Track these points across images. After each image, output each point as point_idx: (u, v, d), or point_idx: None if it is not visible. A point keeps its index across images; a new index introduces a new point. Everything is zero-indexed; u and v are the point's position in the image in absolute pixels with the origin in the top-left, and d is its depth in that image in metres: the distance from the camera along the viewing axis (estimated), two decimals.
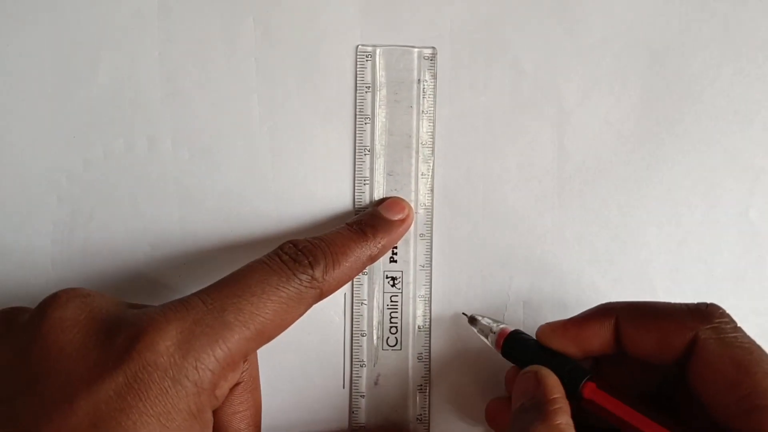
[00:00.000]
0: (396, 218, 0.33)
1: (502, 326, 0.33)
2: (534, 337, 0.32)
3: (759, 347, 0.27)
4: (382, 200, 0.34)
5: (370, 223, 0.32)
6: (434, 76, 0.35)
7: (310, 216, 0.35)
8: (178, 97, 0.34)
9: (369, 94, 0.35)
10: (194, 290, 0.34)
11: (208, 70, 0.34)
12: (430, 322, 0.35)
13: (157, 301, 0.28)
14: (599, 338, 0.30)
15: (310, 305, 0.29)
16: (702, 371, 0.27)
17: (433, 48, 0.35)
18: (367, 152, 0.35)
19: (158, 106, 0.34)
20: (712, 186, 0.36)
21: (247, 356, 0.28)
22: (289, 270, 0.28)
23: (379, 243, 0.31)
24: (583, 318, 0.31)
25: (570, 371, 0.30)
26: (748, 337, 0.28)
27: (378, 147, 0.35)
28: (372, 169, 0.35)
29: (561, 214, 0.36)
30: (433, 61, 0.35)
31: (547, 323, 0.32)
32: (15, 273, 0.33)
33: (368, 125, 0.35)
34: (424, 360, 0.36)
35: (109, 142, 0.34)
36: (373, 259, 0.31)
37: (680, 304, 0.29)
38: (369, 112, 0.35)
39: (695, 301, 0.29)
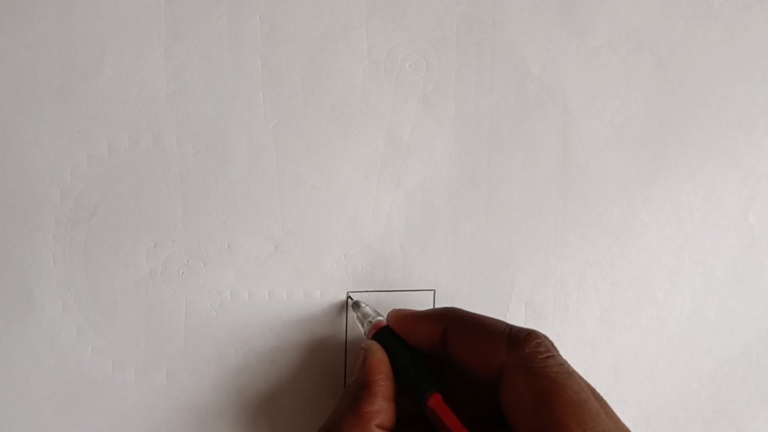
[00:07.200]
0: None
1: (378, 318, 0.33)
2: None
3: (568, 377, 0.27)
4: None
5: None
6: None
7: (314, 214, 0.35)
8: (184, 94, 0.33)
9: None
10: (195, 289, 0.34)
11: (214, 67, 0.34)
12: None
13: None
14: (428, 338, 0.30)
15: None
16: (508, 397, 0.27)
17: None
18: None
19: (163, 102, 0.33)
20: (713, 189, 0.37)
21: None
22: None
23: None
24: (420, 315, 0.31)
25: (425, 376, 0.30)
26: (560, 366, 0.27)
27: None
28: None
29: (564, 215, 0.36)
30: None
31: (396, 309, 0.33)
32: (16, 268, 0.33)
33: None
34: None
35: (113, 137, 0.33)
36: None
37: (502, 326, 0.29)
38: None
39: (525, 325, 0.29)
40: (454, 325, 0.30)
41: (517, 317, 0.36)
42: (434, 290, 0.36)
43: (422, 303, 0.36)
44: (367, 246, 0.35)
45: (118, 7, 0.33)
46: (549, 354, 0.28)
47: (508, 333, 0.28)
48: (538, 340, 0.28)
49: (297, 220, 0.35)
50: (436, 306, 0.36)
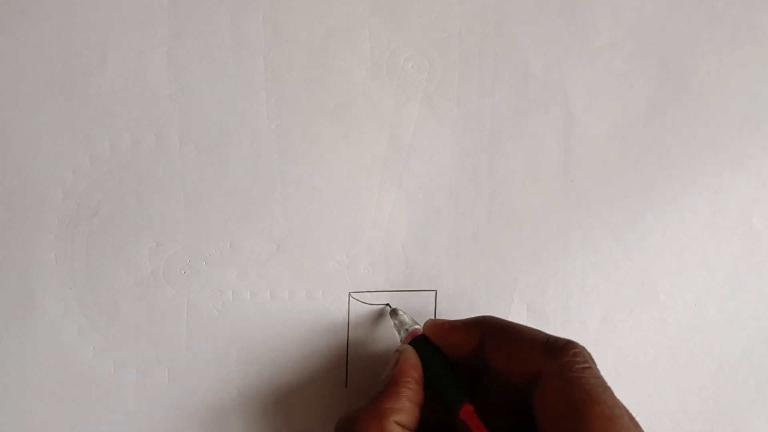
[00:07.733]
0: None
1: (415, 327, 0.33)
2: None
3: (603, 390, 0.27)
4: None
5: None
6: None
7: (316, 214, 0.35)
8: (186, 94, 0.33)
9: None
10: (197, 289, 0.34)
11: (217, 67, 0.34)
12: None
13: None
14: (464, 346, 0.31)
15: None
16: (541, 404, 0.27)
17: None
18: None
19: (166, 102, 0.33)
20: (717, 191, 0.36)
21: None
22: None
23: None
24: (457, 324, 0.32)
25: (458, 387, 0.30)
26: (597, 379, 0.27)
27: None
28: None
29: (566, 216, 0.36)
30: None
31: (432, 319, 0.33)
32: (18, 268, 0.33)
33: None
34: None
35: (115, 137, 0.33)
36: None
37: (540, 335, 0.29)
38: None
39: (562, 336, 0.29)
40: (492, 333, 0.30)
41: (518, 318, 0.36)
42: (436, 291, 0.36)
43: (424, 303, 0.36)
44: (368, 246, 0.35)
45: (119, 7, 0.33)
46: (586, 365, 0.28)
47: (545, 341, 0.29)
48: (576, 350, 0.28)
49: (299, 220, 0.35)
50: (438, 306, 0.36)
